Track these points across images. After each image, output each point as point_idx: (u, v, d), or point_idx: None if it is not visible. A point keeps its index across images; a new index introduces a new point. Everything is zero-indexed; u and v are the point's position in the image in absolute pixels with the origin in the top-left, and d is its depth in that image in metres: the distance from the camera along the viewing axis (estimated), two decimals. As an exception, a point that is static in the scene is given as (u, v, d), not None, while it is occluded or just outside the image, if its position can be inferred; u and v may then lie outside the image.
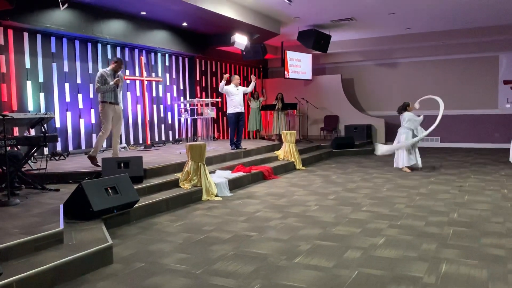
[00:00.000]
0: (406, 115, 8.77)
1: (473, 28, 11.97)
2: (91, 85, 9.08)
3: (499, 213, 5.30)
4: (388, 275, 3.39)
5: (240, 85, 9.46)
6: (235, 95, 9.12)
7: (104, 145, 9.37)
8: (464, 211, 5.42)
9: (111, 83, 6.64)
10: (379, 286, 3.18)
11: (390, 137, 14.18)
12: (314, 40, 11.12)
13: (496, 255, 3.81)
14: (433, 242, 4.18)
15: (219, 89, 9.19)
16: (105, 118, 6.70)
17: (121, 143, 9.67)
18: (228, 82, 9.27)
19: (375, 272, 3.46)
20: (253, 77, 9.55)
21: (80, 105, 8.86)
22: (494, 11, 10.05)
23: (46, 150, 7.79)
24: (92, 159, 6.66)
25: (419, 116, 8.72)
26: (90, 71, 9.05)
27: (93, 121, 9.15)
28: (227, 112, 9.22)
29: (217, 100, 11.32)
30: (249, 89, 9.64)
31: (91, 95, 9.11)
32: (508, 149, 9.37)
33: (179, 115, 10.58)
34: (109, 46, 9.52)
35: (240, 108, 9.21)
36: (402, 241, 4.24)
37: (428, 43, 12.98)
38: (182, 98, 11.56)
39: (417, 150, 8.83)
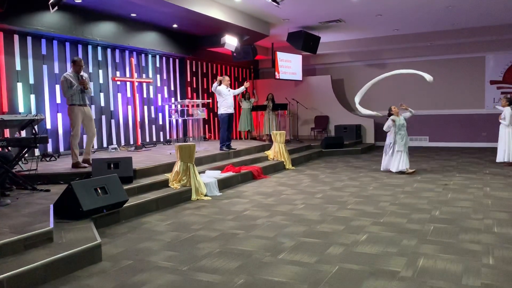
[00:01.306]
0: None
1: (459, 29, 12.19)
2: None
3: (479, 210, 5.46)
4: (368, 270, 3.52)
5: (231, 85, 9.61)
6: (227, 96, 9.20)
7: (95, 146, 9.46)
8: (446, 209, 5.57)
9: (75, 85, 6.58)
10: (358, 280, 3.31)
11: (379, 136, 14.39)
12: (303, 41, 11.26)
13: (472, 250, 3.95)
14: (413, 238, 4.32)
15: (212, 89, 9.25)
16: (74, 121, 6.65)
17: (112, 143, 9.77)
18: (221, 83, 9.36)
19: (355, 267, 3.59)
20: (246, 83, 9.69)
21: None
22: (480, 13, 10.26)
23: (37, 151, 7.87)
24: (76, 165, 6.66)
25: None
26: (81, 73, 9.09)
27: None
28: (220, 113, 9.24)
29: (208, 101, 11.44)
30: (237, 91, 9.76)
31: (82, 97, 9.16)
32: (495, 148, 9.60)
33: (170, 116, 10.68)
34: (99, 48, 9.60)
35: (232, 109, 9.30)
36: (383, 238, 4.37)
37: (415, 44, 13.19)
38: (173, 99, 11.65)
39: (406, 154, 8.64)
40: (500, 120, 9.26)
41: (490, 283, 3.20)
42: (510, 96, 9.57)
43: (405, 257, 3.80)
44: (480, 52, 13.24)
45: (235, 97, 10.29)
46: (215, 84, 9.12)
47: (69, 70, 6.90)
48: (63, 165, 7.16)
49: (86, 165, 6.70)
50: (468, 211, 5.40)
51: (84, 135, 7.27)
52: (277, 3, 8.31)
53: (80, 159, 6.79)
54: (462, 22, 11.28)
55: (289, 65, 13.91)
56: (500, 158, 9.23)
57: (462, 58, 13.56)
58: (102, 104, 9.71)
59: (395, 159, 8.58)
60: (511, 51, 12.94)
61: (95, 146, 9.47)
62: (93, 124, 6.98)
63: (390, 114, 8.63)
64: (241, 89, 9.75)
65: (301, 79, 14.55)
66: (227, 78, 9.40)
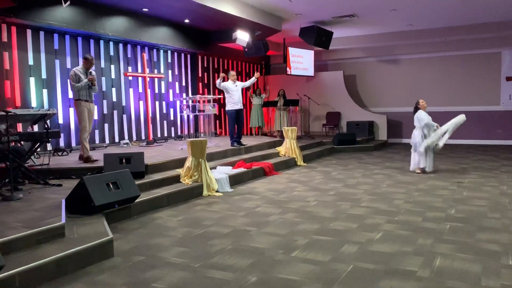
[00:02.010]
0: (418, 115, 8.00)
1: (475, 25, 11.95)
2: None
3: (496, 209, 5.34)
4: (383, 269, 3.45)
5: (238, 80, 9.49)
6: (234, 92, 9.12)
7: (107, 141, 9.48)
8: (462, 207, 5.46)
9: (85, 80, 6.67)
10: (373, 280, 3.24)
11: (392, 133, 14.25)
12: (316, 36, 11.14)
13: (491, 250, 3.86)
14: (429, 237, 4.23)
15: (216, 85, 9.18)
16: (82, 115, 6.74)
17: (123, 138, 9.78)
18: (225, 79, 9.29)
19: (370, 266, 3.51)
20: (256, 74, 9.55)
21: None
22: (496, 8, 10.04)
23: (49, 146, 7.89)
24: (87, 159, 6.71)
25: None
26: (93, 68, 9.10)
27: (96, 117, 9.21)
28: (227, 109, 9.20)
29: (219, 96, 11.37)
30: (248, 83, 9.64)
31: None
32: (510, 146, 9.41)
33: (181, 111, 10.63)
34: (111, 43, 9.59)
35: (240, 105, 9.21)
36: (398, 236, 4.29)
37: (430, 40, 12.97)
38: (184, 95, 11.63)
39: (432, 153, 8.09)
40: None
41: (511, 285, 3.11)
42: None
43: (422, 256, 3.71)
44: (496, 48, 12.98)
45: (245, 92, 10.18)
46: (218, 81, 9.04)
47: (80, 65, 6.96)
48: (74, 159, 7.16)
49: (97, 159, 6.72)
50: (484, 210, 5.29)
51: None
52: (290, -3, 8.22)
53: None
54: (478, 17, 11.05)
55: (301, 61, 13.79)
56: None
57: (477, 54, 13.31)
58: (114, 99, 9.71)
59: (429, 157, 8.02)
60: (528, 47, 12.67)
61: (107, 141, 9.49)
62: (92, 121, 7.05)
63: (416, 108, 8.06)
64: (252, 80, 9.61)
65: (313, 74, 14.43)
66: (232, 72, 9.29)
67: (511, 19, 11.41)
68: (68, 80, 6.78)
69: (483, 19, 11.40)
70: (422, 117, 7.89)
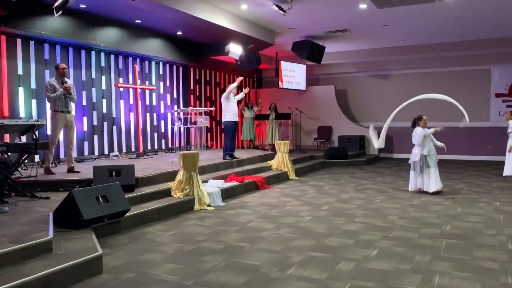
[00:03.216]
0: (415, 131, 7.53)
1: (465, 41, 12.10)
2: (84, 93, 9.04)
3: (491, 225, 5.31)
4: (381, 287, 3.36)
5: (238, 93, 9.52)
6: (233, 104, 9.09)
7: (96, 153, 9.32)
8: (457, 223, 5.41)
9: (60, 90, 6.61)
10: (372, 299, 3.15)
11: (383, 148, 14.21)
12: (308, 50, 11.17)
13: (488, 268, 3.80)
14: (426, 254, 4.16)
15: (227, 91, 9.02)
16: (54, 127, 6.72)
17: (113, 151, 9.62)
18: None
19: (368, 284, 3.42)
20: (245, 89, 9.56)
21: (72, 113, 8.75)
22: (487, 25, 10.17)
23: (37, 158, 7.71)
24: (48, 170, 6.67)
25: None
26: (84, 79, 9.01)
27: (85, 128, 9.08)
28: (226, 120, 8.99)
29: (211, 109, 11.31)
30: (238, 97, 9.58)
31: (84, 103, 9.06)
32: (501, 162, 9.44)
33: (173, 123, 10.53)
34: (102, 54, 9.49)
35: (237, 118, 9.19)
36: (395, 253, 4.21)
37: (421, 55, 13.10)
38: (175, 107, 11.54)
39: (430, 171, 7.39)
40: (508, 134, 9.10)
41: (512, 305, 3.04)
42: None
43: (420, 274, 3.64)
44: (486, 65, 13.13)
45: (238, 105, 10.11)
46: (232, 86, 8.97)
47: (54, 76, 6.94)
48: (63, 171, 7.00)
49: (54, 172, 6.76)
50: (480, 227, 5.24)
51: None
52: (284, 11, 8.23)
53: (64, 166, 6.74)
54: (468, 34, 11.19)
55: (293, 75, 13.81)
56: (507, 172, 9.05)
57: (467, 70, 13.44)
58: (104, 110, 9.58)
59: (430, 177, 7.38)
60: (517, 64, 12.84)
61: (96, 153, 9.33)
62: (73, 131, 7.03)
63: (415, 123, 7.59)
64: (241, 95, 9.59)
65: (304, 88, 14.45)
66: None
67: (500, 37, 11.58)
68: (44, 92, 6.70)
69: (473, 36, 11.55)
70: (418, 132, 7.44)
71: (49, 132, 8.28)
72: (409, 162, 7.70)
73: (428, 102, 13.65)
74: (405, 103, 7.97)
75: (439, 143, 7.67)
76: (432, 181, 7.35)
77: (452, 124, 13.58)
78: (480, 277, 3.57)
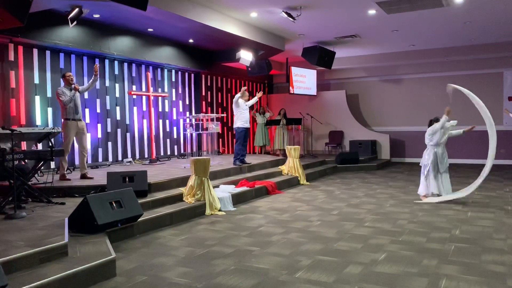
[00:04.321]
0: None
1: (476, 45, 12.06)
2: (98, 100, 9.25)
3: (502, 230, 5.30)
4: (388, 290, 3.41)
5: (249, 100, 9.56)
6: (244, 110, 9.14)
7: (110, 159, 9.50)
8: (467, 228, 5.42)
9: (69, 98, 6.80)
10: (378, 302, 3.20)
11: (395, 152, 14.25)
12: (318, 56, 11.25)
13: (496, 271, 3.81)
14: (434, 258, 4.19)
15: (235, 99, 9.13)
16: (66, 135, 6.91)
17: (126, 157, 9.80)
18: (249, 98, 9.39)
19: (374, 287, 3.47)
20: (259, 93, 9.56)
21: (87, 120, 8.99)
22: (498, 28, 10.14)
23: (52, 164, 7.91)
24: (63, 177, 6.85)
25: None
26: (98, 87, 9.20)
27: (99, 135, 9.28)
28: (237, 126, 9.09)
29: (222, 115, 11.44)
30: (251, 102, 9.66)
31: (98, 110, 9.26)
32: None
33: (184, 130, 10.69)
34: (116, 62, 9.70)
35: (248, 124, 9.25)
36: (403, 257, 4.25)
37: (432, 60, 13.08)
38: (187, 113, 11.70)
39: (446, 176, 7.21)
40: None
41: (517, 308, 3.07)
42: None
43: (427, 277, 3.68)
44: (498, 68, 13.05)
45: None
46: (237, 95, 9.03)
47: (62, 85, 7.20)
48: (78, 178, 7.17)
49: (88, 177, 6.96)
50: (489, 231, 5.25)
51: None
52: (293, 18, 8.33)
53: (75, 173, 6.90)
54: (479, 37, 11.16)
55: (304, 80, 13.89)
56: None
57: (479, 74, 13.37)
58: (118, 117, 9.77)
59: (444, 182, 7.17)
60: (530, 67, 12.74)
61: (110, 159, 9.51)
62: (85, 139, 7.21)
63: (433, 121, 7.40)
64: (255, 99, 9.64)
65: (315, 94, 14.51)
66: (246, 93, 9.33)
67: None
68: (58, 99, 6.90)
69: (484, 40, 11.51)
70: (434, 127, 7.22)
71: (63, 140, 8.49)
72: (420, 164, 7.49)
73: (431, 108, 13.62)
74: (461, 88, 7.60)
75: (457, 132, 7.36)
76: (447, 185, 7.17)
77: (459, 128, 13.52)
78: (487, 280, 3.60)
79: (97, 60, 9.20)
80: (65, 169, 6.97)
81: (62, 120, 6.95)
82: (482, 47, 12.06)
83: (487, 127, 7.11)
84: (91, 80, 7.26)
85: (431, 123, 7.42)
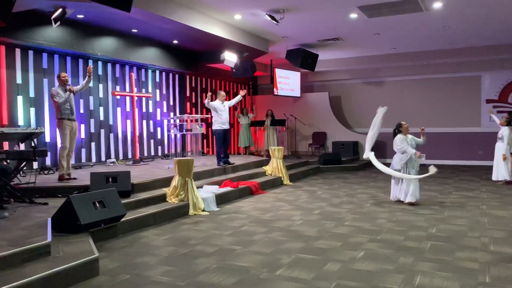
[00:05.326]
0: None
1: (456, 49, 12.35)
2: (81, 101, 9.22)
3: (476, 228, 5.49)
4: (365, 287, 3.53)
5: (226, 100, 9.50)
6: (222, 111, 9.15)
7: (94, 160, 9.48)
8: (443, 226, 5.59)
9: (64, 99, 6.79)
10: (355, 297, 3.32)
11: (376, 154, 14.41)
12: (302, 58, 11.38)
13: (469, 268, 3.97)
14: (410, 256, 4.34)
15: (205, 105, 9.20)
16: (64, 135, 6.86)
17: (110, 157, 9.78)
18: (213, 98, 9.36)
19: (352, 284, 3.60)
20: (242, 92, 9.57)
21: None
22: (477, 33, 10.41)
23: (35, 165, 7.88)
24: (62, 178, 6.81)
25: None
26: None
27: (82, 136, 9.25)
28: (215, 128, 9.19)
29: (207, 116, 11.47)
30: (233, 101, 9.69)
31: (82, 110, 9.23)
32: (491, 166, 9.68)
33: (169, 130, 10.71)
34: (100, 63, 9.68)
35: (227, 125, 9.26)
36: (380, 255, 4.39)
37: (413, 63, 13.36)
38: (171, 114, 11.72)
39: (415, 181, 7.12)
40: (498, 139, 9.35)
41: (486, 301, 3.22)
42: (507, 115, 9.73)
43: (402, 274, 3.81)
44: (476, 71, 13.39)
45: (232, 112, 10.25)
46: (206, 100, 8.93)
47: (57, 85, 7.14)
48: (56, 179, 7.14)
49: (70, 177, 6.89)
50: (465, 229, 5.42)
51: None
52: (276, 21, 8.44)
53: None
54: (458, 41, 11.44)
55: (288, 82, 14.03)
56: (495, 176, 9.31)
57: (458, 77, 13.70)
58: (102, 118, 9.75)
59: (409, 186, 7.07)
60: (507, 71, 13.08)
61: (93, 160, 9.49)
62: (75, 139, 7.14)
63: (397, 131, 7.36)
64: (238, 98, 9.66)
65: (299, 95, 14.66)
66: (222, 93, 9.30)
67: (489, 44, 11.84)
68: (52, 99, 6.87)
69: (462, 44, 11.80)
70: (395, 140, 7.27)
71: (47, 140, 8.46)
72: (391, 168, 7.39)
73: (412, 109, 13.91)
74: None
75: (419, 141, 7.40)
76: (410, 191, 7.00)
77: (441, 130, 13.83)
78: (460, 276, 3.75)
79: (81, 61, 9.19)
80: (65, 169, 6.85)
81: (57, 119, 6.86)
82: (460, 51, 12.37)
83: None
84: (85, 81, 7.20)
85: (394, 132, 7.41)
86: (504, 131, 9.21)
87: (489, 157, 13.11)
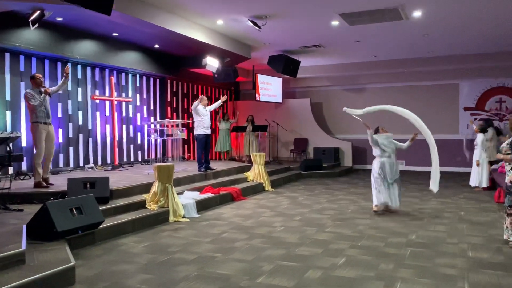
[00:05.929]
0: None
1: (435, 57, 12.58)
2: (60, 104, 9.04)
3: (455, 234, 5.56)
4: (346, 294, 3.52)
5: (208, 105, 9.44)
6: (205, 116, 9.10)
7: (71, 165, 9.29)
8: (422, 233, 5.64)
9: (39, 102, 6.53)
10: (336, 305, 3.30)
11: (357, 160, 14.60)
12: (284, 65, 11.41)
13: (448, 274, 4.01)
14: (390, 262, 4.36)
15: (192, 108, 9.08)
16: (39, 139, 6.58)
17: (88, 162, 9.61)
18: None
19: (333, 291, 3.58)
20: (223, 97, 9.56)
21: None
22: (455, 42, 10.62)
23: (10, 170, 7.67)
24: (38, 185, 6.54)
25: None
26: (60, 91, 8.98)
27: (60, 140, 9.06)
28: (197, 133, 9.09)
29: (188, 121, 11.40)
30: (214, 106, 9.65)
31: (60, 114, 9.05)
32: (469, 173, 9.88)
33: (149, 135, 10.59)
34: (79, 66, 9.52)
35: (209, 130, 9.22)
36: (361, 261, 4.39)
37: (392, 70, 13.54)
38: (152, 119, 11.59)
39: (395, 186, 6.92)
40: (475, 146, 9.58)
41: (465, 308, 3.24)
42: (481, 122, 9.95)
43: (383, 281, 3.82)
44: (455, 79, 13.66)
45: (213, 117, 10.16)
46: (195, 103, 8.99)
47: (30, 88, 6.79)
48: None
49: (47, 185, 6.65)
50: (443, 236, 5.48)
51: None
52: (258, 27, 8.45)
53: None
54: (437, 50, 11.65)
55: (270, 88, 14.06)
56: (473, 182, 9.52)
57: (437, 84, 13.95)
58: (80, 122, 9.58)
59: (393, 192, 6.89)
60: (484, 79, 13.38)
61: (71, 165, 9.31)
62: (53, 144, 6.88)
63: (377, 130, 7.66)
64: (218, 103, 9.65)
65: (281, 101, 14.70)
66: (205, 98, 9.29)
67: (467, 53, 12.10)
68: (26, 102, 6.63)
69: (441, 52, 12.03)
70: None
71: (24, 145, 8.26)
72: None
73: (392, 116, 14.08)
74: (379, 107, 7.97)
75: (402, 145, 7.49)
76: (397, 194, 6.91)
77: (419, 137, 14.02)
78: (439, 283, 3.78)
79: (59, 64, 9.01)
80: (41, 176, 6.59)
81: (31, 123, 6.58)
82: (439, 59, 12.60)
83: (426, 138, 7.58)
84: (61, 81, 6.95)
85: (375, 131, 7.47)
86: (478, 138, 9.46)
87: (468, 164, 13.41)
